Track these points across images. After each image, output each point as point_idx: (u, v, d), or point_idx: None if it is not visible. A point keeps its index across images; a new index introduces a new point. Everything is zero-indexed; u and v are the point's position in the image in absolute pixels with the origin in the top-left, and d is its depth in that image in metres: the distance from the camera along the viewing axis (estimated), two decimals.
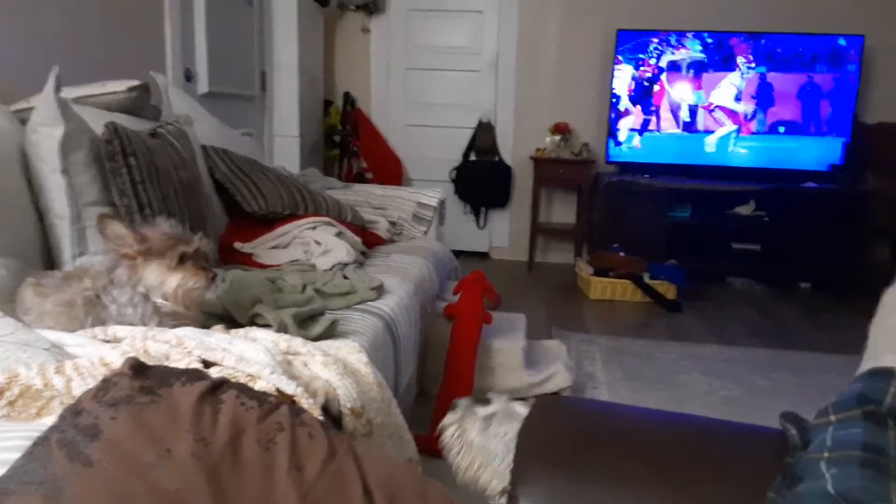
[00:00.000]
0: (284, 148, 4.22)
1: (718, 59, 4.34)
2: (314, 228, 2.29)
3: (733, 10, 4.44)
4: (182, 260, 1.31)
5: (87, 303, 1.31)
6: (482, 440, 0.97)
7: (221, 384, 0.55)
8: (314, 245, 2.19)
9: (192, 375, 0.55)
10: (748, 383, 2.74)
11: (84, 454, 0.48)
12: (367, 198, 2.98)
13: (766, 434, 0.93)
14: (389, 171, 4.83)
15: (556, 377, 2.44)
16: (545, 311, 3.67)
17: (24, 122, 1.60)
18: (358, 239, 2.36)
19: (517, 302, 3.57)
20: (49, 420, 0.91)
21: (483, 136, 4.85)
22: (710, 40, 4.33)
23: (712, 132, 4.43)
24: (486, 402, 1.05)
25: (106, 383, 0.53)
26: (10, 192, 1.49)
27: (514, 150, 4.87)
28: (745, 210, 4.36)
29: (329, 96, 4.91)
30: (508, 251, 5.02)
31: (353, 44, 4.92)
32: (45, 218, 1.55)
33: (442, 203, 3.05)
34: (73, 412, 0.52)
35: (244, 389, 0.56)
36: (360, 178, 4.71)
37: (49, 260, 1.56)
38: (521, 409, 1.02)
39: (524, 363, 2.44)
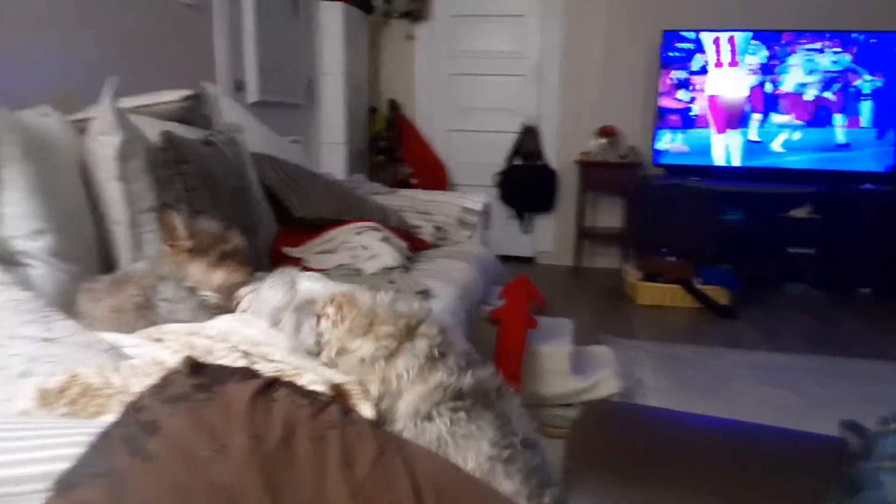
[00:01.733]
0: (331, 155, 4.29)
1: (768, 58, 4.24)
2: (361, 233, 2.31)
3: (782, 7, 4.33)
4: (223, 257, 1.40)
5: (138, 308, 1.36)
6: (249, 305, 1.27)
7: (273, 382, 0.57)
8: (361, 250, 2.21)
9: (245, 374, 0.57)
10: (804, 391, 2.66)
11: (144, 449, 0.50)
12: (412, 203, 3.00)
13: (823, 442, 0.91)
14: (434, 176, 4.85)
15: (604, 383, 2.41)
16: (592, 317, 3.63)
17: (82, 131, 1.66)
18: (403, 244, 2.38)
19: (563, 307, 3.54)
20: (108, 418, 0.95)
21: (527, 141, 4.84)
22: (758, 39, 4.23)
23: (763, 133, 4.32)
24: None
25: (164, 381, 0.55)
26: (70, 200, 1.54)
27: (558, 153, 4.84)
28: (800, 213, 4.23)
29: (374, 103, 4.97)
30: (554, 256, 4.99)
31: (397, 51, 4.98)
32: (103, 225, 1.60)
33: (486, 208, 3.05)
34: (134, 408, 0.54)
35: (296, 388, 0.57)
36: (404, 184, 4.74)
37: (107, 265, 1.62)
38: (305, 284, 1.25)
39: (571, 369, 2.42)
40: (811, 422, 2.36)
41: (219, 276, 1.39)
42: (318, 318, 1.15)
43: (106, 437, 0.53)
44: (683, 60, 4.33)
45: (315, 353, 1.14)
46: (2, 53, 1.91)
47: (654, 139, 4.44)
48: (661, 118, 4.41)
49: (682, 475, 0.85)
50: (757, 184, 4.18)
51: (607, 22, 4.63)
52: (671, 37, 4.31)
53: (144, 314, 1.37)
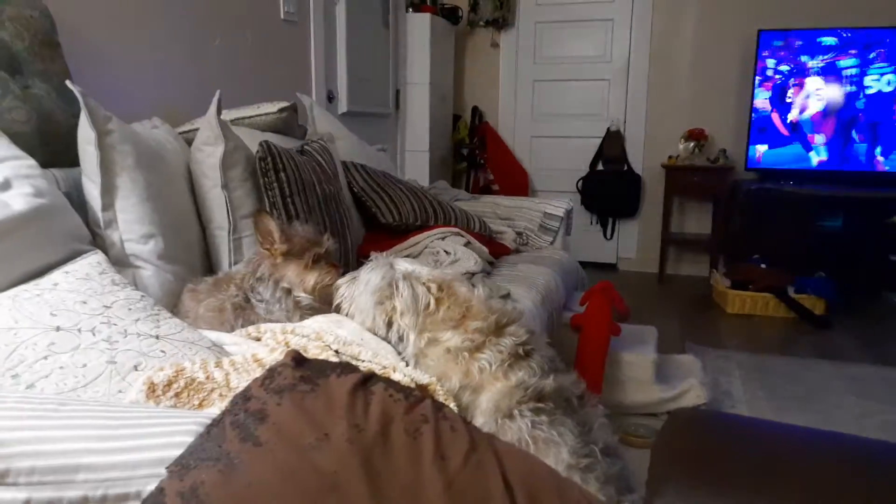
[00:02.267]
0: (415, 162, 4.37)
1: (871, 57, 4.00)
2: (444, 238, 2.35)
3: (887, 3, 4.08)
4: (316, 260, 1.46)
5: (237, 308, 1.44)
6: (350, 290, 1.31)
7: (371, 377, 0.60)
8: (444, 255, 2.25)
9: (345, 368, 0.60)
10: None
11: (254, 435, 0.54)
12: (494, 208, 3.02)
13: None
14: (515, 182, 4.86)
15: (690, 393, 2.34)
16: (678, 325, 3.53)
17: (189, 142, 1.77)
18: (485, 249, 2.40)
19: (647, 315, 3.47)
20: (210, 411, 1.01)
21: (611, 145, 4.77)
22: (861, 37, 4.00)
23: (865, 136, 4.09)
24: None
25: (271, 373, 0.59)
26: (179, 206, 1.65)
27: (644, 158, 4.75)
28: None
29: (458, 111, 5.03)
30: (637, 262, 4.88)
31: (482, 59, 5.02)
32: (207, 229, 1.70)
33: (569, 213, 3.03)
34: (244, 398, 0.58)
35: (391, 383, 0.60)
36: (486, 190, 4.78)
37: (210, 267, 1.72)
38: (404, 265, 1.27)
39: (655, 377, 2.37)
40: None
41: (312, 278, 1.46)
42: (425, 286, 1.19)
43: (218, 424, 0.58)
44: (779, 61, 4.15)
45: (425, 314, 1.16)
46: (116, 69, 2.07)
47: (747, 143, 4.28)
48: (755, 121, 4.24)
49: (777, 487, 0.82)
50: (856, 189, 3.95)
51: (699, 22, 4.50)
52: (769, 37, 4.14)
53: (242, 313, 1.45)
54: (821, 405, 2.52)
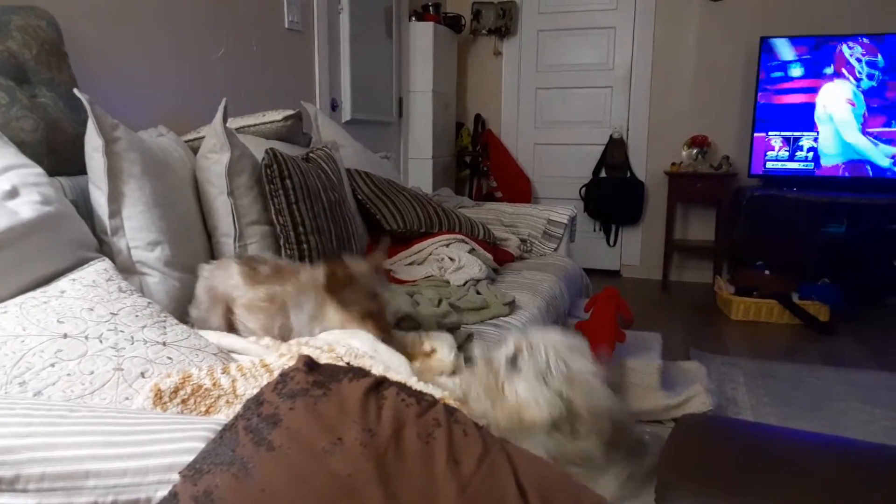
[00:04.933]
0: (418, 169, 4.38)
1: (873, 63, 4.01)
2: (448, 245, 2.36)
3: (890, 9, 4.09)
4: (363, 317, 1.31)
5: (281, 309, 1.35)
6: (511, 390, 0.96)
7: (383, 381, 0.60)
8: (448, 261, 2.26)
9: (357, 372, 0.61)
10: None
11: (267, 439, 0.54)
12: (498, 216, 3.02)
13: None
14: (518, 190, 4.86)
15: (695, 400, 2.34)
16: (682, 332, 3.53)
17: (195, 150, 1.78)
18: (490, 256, 2.41)
19: (651, 322, 3.46)
20: (217, 417, 1.01)
21: (614, 152, 4.77)
22: (865, 43, 4.01)
23: (869, 141, 4.09)
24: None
25: (284, 377, 0.60)
26: (185, 214, 1.66)
27: (647, 165, 4.75)
28: None
29: (461, 119, 5.04)
30: (640, 269, 4.88)
31: (484, 67, 5.03)
32: (213, 236, 1.71)
33: (572, 220, 3.03)
34: (256, 402, 0.58)
35: (403, 387, 0.60)
36: (489, 198, 4.78)
37: None
38: (554, 336, 1.03)
39: (660, 384, 2.36)
40: None
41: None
42: None
43: (231, 428, 0.58)
44: (782, 67, 4.16)
45: None
46: (122, 77, 2.08)
47: (750, 149, 4.28)
48: (758, 127, 4.24)
49: (785, 491, 0.83)
50: (860, 194, 3.95)
51: (702, 29, 4.51)
52: (769, 44, 4.15)
53: (281, 317, 1.37)
54: (826, 411, 2.52)
